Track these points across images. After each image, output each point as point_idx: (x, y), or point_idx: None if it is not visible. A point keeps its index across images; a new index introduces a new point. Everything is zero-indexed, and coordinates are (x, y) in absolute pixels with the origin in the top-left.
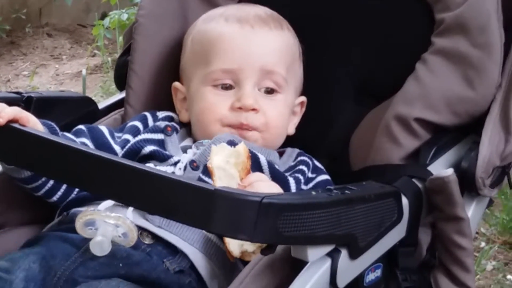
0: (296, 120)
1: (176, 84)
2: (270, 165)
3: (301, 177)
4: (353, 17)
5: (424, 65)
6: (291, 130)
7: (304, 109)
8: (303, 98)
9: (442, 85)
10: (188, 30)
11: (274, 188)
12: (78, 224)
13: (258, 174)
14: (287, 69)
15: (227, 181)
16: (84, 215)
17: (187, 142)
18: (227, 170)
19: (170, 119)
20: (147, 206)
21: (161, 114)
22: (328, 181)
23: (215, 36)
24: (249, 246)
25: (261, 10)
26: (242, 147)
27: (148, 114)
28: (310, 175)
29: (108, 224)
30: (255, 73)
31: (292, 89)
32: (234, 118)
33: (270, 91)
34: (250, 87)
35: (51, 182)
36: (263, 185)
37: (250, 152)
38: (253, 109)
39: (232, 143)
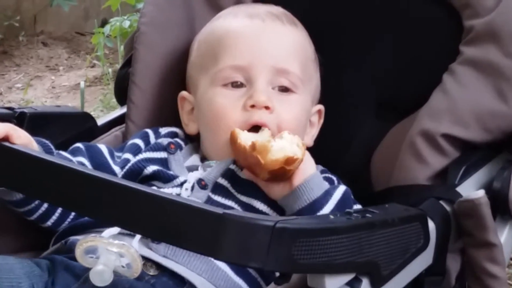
0: (314, 131)
1: (184, 93)
2: None
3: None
4: (373, 24)
5: (452, 77)
6: (309, 142)
7: (322, 120)
8: (321, 107)
9: (472, 98)
10: (196, 36)
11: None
12: (78, 251)
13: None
14: (301, 69)
15: (287, 141)
16: (85, 241)
17: (193, 160)
18: (293, 139)
19: (174, 135)
20: (149, 231)
21: (164, 130)
22: (347, 191)
23: (222, 32)
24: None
25: (273, 8)
26: (266, 129)
27: (149, 131)
28: None
29: (111, 253)
30: (268, 70)
31: (308, 92)
32: (247, 118)
33: (284, 90)
34: (263, 84)
35: (45, 205)
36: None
37: None
38: (266, 107)
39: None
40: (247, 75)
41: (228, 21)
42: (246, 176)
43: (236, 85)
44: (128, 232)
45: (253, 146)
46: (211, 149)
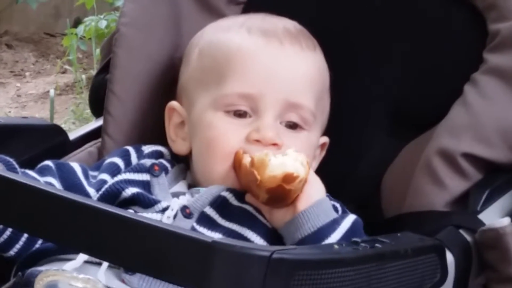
0: (314, 164)
1: (174, 104)
2: None
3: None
4: (386, 29)
5: (474, 88)
6: None
7: (324, 153)
8: (326, 139)
9: (497, 113)
10: (193, 39)
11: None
12: (40, 285)
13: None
14: (316, 102)
15: (290, 158)
16: (45, 275)
17: (179, 186)
18: (298, 156)
19: (159, 155)
20: (127, 261)
21: (147, 148)
22: (357, 221)
23: (233, 50)
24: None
25: (290, 24)
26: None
27: (131, 149)
28: None
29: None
30: (279, 103)
31: (318, 127)
32: (250, 152)
33: (292, 126)
34: (271, 118)
35: (8, 232)
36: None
37: None
38: (274, 144)
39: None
40: (255, 105)
41: (240, 37)
42: (248, 200)
43: (239, 114)
44: (95, 260)
45: (252, 161)
46: (202, 174)
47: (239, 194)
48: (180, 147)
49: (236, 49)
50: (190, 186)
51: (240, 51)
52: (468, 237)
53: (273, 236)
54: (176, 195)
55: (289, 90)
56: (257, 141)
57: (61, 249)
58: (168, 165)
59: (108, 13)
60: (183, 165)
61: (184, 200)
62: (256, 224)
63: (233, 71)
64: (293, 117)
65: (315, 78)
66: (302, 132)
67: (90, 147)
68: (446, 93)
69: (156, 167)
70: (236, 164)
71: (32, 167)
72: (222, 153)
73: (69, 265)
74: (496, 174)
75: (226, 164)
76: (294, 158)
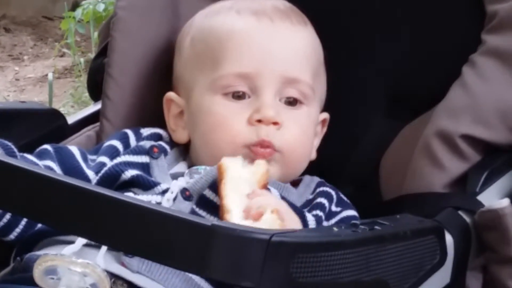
0: (316, 142)
1: (171, 94)
2: (284, 199)
3: (321, 214)
4: (382, 9)
5: (472, 69)
6: (313, 154)
7: (325, 129)
8: (326, 115)
9: (496, 94)
10: (183, 29)
11: (291, 214)
12: (37, 272)
13: (268, 193)
14: (313, 76)
15: (239, 185)
16: (44, 260)
17: (179, 167)
18: (242, 173)
19: (158, 137)
20: (127, 245)
21: (146, 131)
22: (355, 218)
23: (225, 32)
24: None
25: (279, 2)
26: (262, 161)
27: (129, 132)
28: (333, 208)
29: (74, 273)
30: (276, 80)
31: (317, 101)
32: (254, 134)
33: (292, 102)
34: (271, 96)
35: (7, 216)
36: (283, 209)
37: None
38: (275, 123)
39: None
40: (253, 84)
41: (231, 19)
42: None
43: (238, 95)
44: (94, 244)
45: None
46: (205, 159)
47: None
48: (180, 136)
49: (228, 31)
50: (190, 167)
51: (233, 32)
52: (467, 219)
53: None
54: (175, 176)
55: (285, 66)
56: (259, 121)
57: (60, 231)
58: (167, 147)
59: None
60: (182, 147)
61: (183, 182)
62: None
63: (227, 53)
64: (292, 93)
65: (309, 52)
66: (302, 107)
67: (89, 131)
68: (445, 75)
69: (155, 149)
70: (219, 177)
71: (31, 152)
72: (227, 138)
73: (67, 249)
74: (495, 155)
75: (230, 147)
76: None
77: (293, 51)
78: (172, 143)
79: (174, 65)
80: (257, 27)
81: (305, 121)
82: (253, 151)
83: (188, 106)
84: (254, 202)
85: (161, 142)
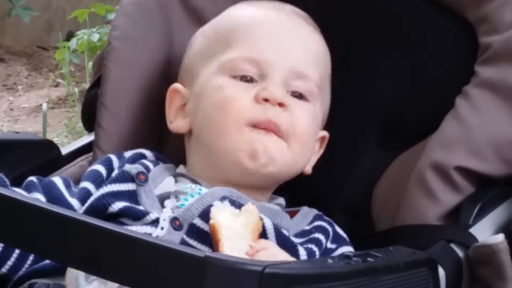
0: (313, 159)
1: (177, 85)
2: (277, 230)
3: (315, 249)
4: (376, 41)
5: (466, 101)
6: (308, 169)
7: (322, 150)
8: (325, 133)
9: (490, 126)
10: (196, 33)
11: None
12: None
13: (269, 242)
14: (320, 79)
15: (236, 243)
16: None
17: (165, 184)
18: (235, 229)
19: (141, 156)
20: (119, 276)
21: (128, 153)
22: None
23: (240, 19)
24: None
25: (297, 9)
26: (252, 206)
27: (113, 157)
28: (329, 245)
29: None
30: (285, 70)
31: (321, 107)
32: (260, 112)
33: (298, 96)
34: (279, 80)
35: None
36: (281, 255)
37: None
38: (281, 104)
39: (227, 199)
40: (261, 70)
41: (250, 9)
42: None
43: (245, 79)
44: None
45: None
46: (213, 143)
47: (229, 202)
48: (179, 125)
49: (244, 17)
50: (176, 177)
51: (249, 18)
52: (459, 252)
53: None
54: (161, 197)
55: (295, 59)
56: (266, 100)
57: (55, 271)
58: (151, 165)
59: (100, 27)
60: (170, 165)
61: (169, 211)
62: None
63: (240, 36)
64: (299, 87)
65: (320, 57)
66: (306, 103)
67: (82, 161)
68: (438, 106)
69: (141, 176)
70: (214, 238)
71: (23, 183)
72: (232, 115)
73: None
74: (488, 188)
75: (235, 126)
76: (244, 223)
77: (306, 48)
78: (157, 162)
79: (183, 61)
80: (274, 18)
81: (309, 115)
82: (257, 128)
83: (192, 93)
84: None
85: (143, 161)
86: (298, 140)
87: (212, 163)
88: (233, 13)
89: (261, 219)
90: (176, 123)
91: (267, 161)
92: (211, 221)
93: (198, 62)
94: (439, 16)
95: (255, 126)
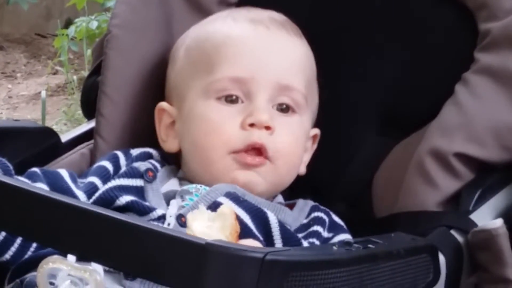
0: (306, 158)
1: (163, 104)
2: (282, 226)
3: (317, 242)
4: (376, 27)
5: (465, 87)
6: (302, 169)
7: (316, 146)
8: (317, 131)
9: (489, 112)
10: (177, 42)
11: None
12: (41, 272)
13: (251, 240)
14: (306, 86)
15: (215, 229)
16: (52, 260)
17: (170, 184)
18: (212, 235)
19: (148, 156)
20: (121, 264)
21: (135, 151)
22: None
23: (221, 38)
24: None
25: (276, 14)
26: (227, 208)
27: (119, 153)
28: (326, 234)
29: (73, 280)
30: (271, 86)
31: (309, 113)
32: (244, 139)
33: (285, 109)
34: (264, 101)
35: (2, 234)
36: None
37: (256, 208)
38: (267, 127)
39: (231, 196)
40: (247, 89)
41: (227, 26)
42: None
43: (231, 99)
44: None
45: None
46: (198, 170)
47: (234, 198)
48: (170, 145)
49: (224, 36)
50: (181, 180)
51: (228, 38)
52: (460, 238)
53: (262, 244)
54: (167, 196)
55: (279, 73)
56: (252, 125)
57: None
58: (158, 165)
59: (99, 14)
60: (173, 163)
61: (175, 207)
62: (249, 233)
63: (223, 57)
64: (285, 100)
65: (303, 63)
66: (293, 115)
67: (83, 149)
68: (437, 93)
69: (150, 173)
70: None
71: (23, 170)
72: (218, 143)
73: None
74: (488, 174)
75: (220, 152)
76: (220, 227)
77: (288, 59)
78: (163, 162)
79: (167, 77)
80: (253, 33)
81: (297, 129)
82: (240, 158)
83: (180, 114)
84: None
85: (151, 161)
86: (284, 160)
87: (208, 179)
88: (212, 31)
89: (237, 221)
90: (168, 144)
91: (252, 187)
92: (187, 231)
93: (183, 82)
94: (439, 4)
95: (238, 152)
